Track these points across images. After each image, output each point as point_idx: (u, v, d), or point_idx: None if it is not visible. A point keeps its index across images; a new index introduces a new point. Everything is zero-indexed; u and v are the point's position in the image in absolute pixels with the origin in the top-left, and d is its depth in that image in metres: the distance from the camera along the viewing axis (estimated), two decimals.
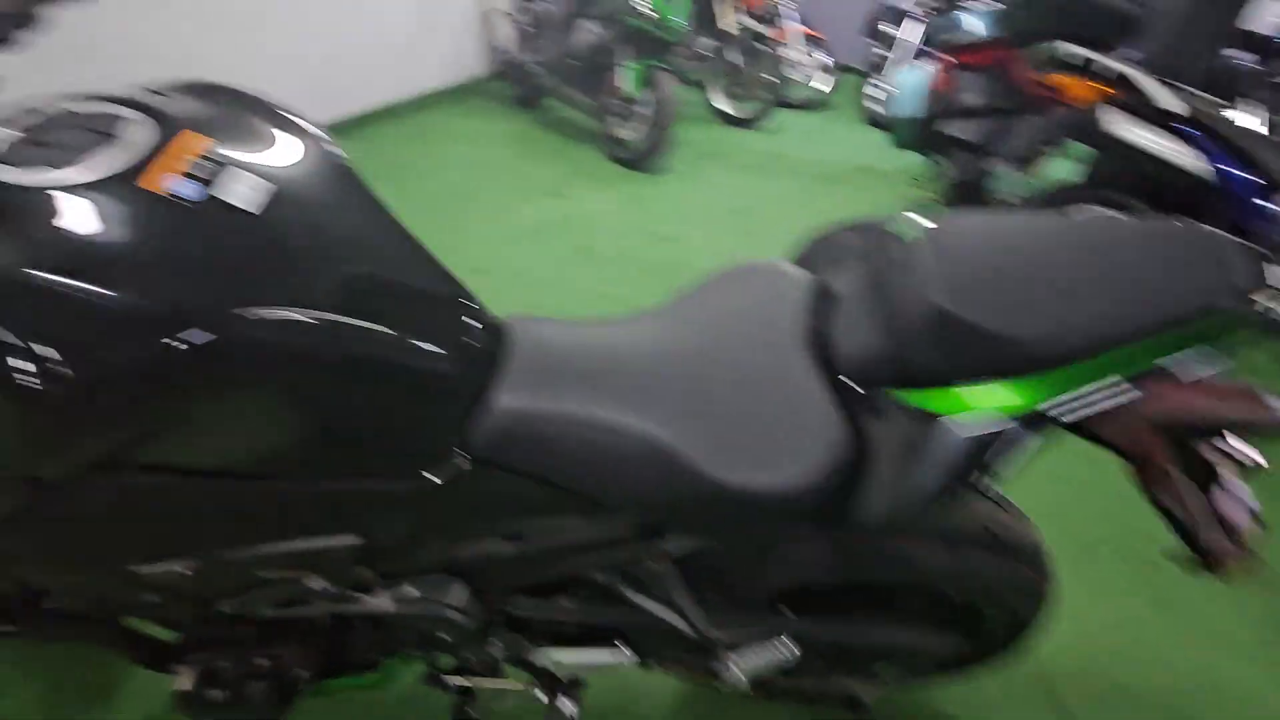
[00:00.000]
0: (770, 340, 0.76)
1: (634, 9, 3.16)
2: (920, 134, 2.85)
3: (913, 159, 3.12)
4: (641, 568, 0.82)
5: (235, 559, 0.70)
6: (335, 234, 0.64)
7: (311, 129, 0.72)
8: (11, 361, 0.49)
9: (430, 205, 2.98)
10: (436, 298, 0.71)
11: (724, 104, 4.18)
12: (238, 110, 0.68)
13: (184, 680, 0.87)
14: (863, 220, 0.85)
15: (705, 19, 4.03)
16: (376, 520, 0.73)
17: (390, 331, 0.64)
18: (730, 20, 3.99)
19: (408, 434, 0.68)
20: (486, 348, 0.73)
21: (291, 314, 0.57)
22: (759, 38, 4.02)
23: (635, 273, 2.66)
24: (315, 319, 0.58)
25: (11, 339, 0.49)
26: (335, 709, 1.21)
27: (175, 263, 0.54)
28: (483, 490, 0.72)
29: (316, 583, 0.77)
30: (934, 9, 3.89)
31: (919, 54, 3.91)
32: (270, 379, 0.58)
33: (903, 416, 0.64)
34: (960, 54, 2.71)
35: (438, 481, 0.70)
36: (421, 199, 3.02)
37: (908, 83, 2.85)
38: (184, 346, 0.53)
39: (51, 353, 0.50)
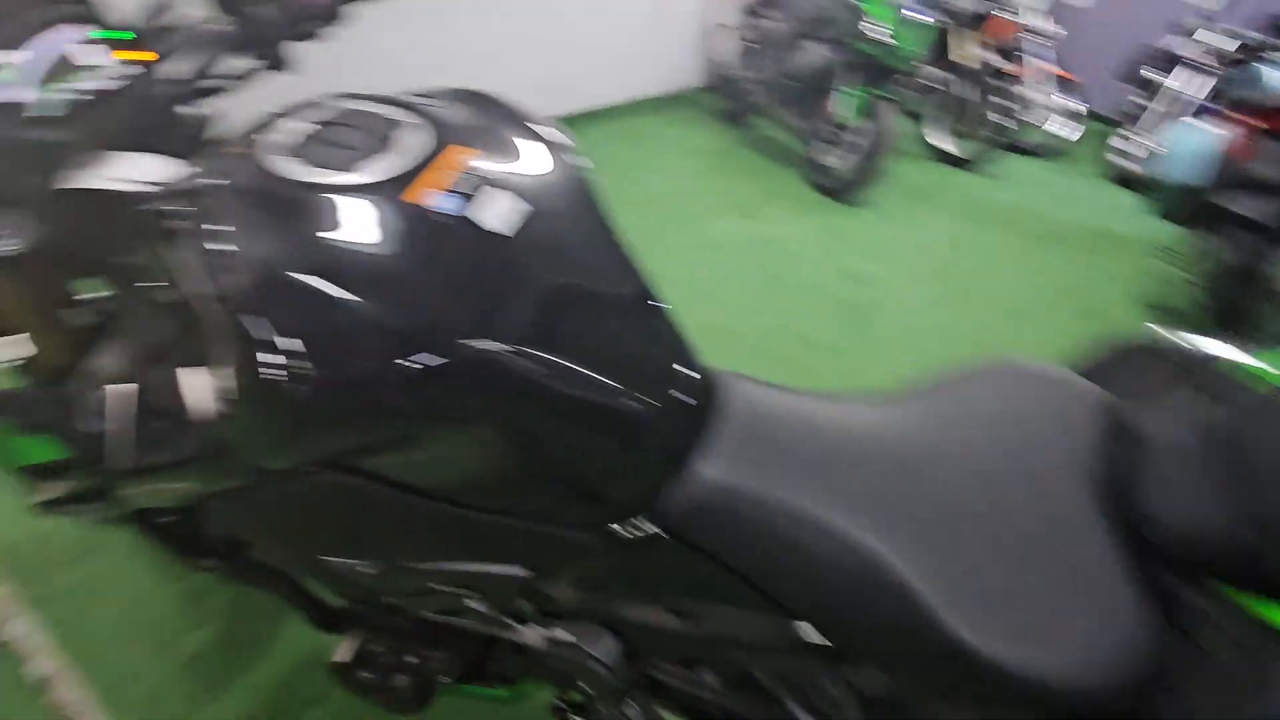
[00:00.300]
0: (1046, 471, 0.62)
1: (867, 35, 2.99)
2: (1191, 204, 2.41)
3: (1165, 229, 2.66)
4: (816, 685, 0.72)
5: (413, 569, 0.70)
6: (572, 264, 0.61)
7: (560, 139, 0.69)
8: (261, 353, 0.50)
9: (625, 208, 3.02)
10: (655, 342, 0.66)
11: (944, 141, 3.85)
12: (498, 121, 0.67)
13: (343, 652, 0.91)
14: (1177, 342, 0.67)
15: (938, 49, 3.74)
16: (549, 561, 0.69)
17: (606, 379, 0.59)
18: (967, 52, 3.67)
19: (602, 487, 0.63)
20: (697, 405, 0.67)
21: (519, 350, 0.54)
22: (997, 73, 3.66)
23: (821, 308, 2.51)
24: (540, 359, 0.55)
25: (265, 332, 0.50)
26: (459, 707, 1.23)
27: (424, 281, 0.52)
28: (662, 559, 0.66)
29: (478, 603, 0.76)
30: (1233, 60, 3.30)
31: (1200, 110, 3.34)
32: (486, 414, 0.55)
33: (1247, 630, 0.48)
34: (1271, 118, 2.24)
35: (619, 540, 0.65)
36: (618, 201, 3.06)
37: (1186, 142, 2.42)
38: (416, 368, 0.51)
39: (299, 350, 0.50)
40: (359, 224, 0.53)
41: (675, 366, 0.66)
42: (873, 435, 0.67)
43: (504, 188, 0.58)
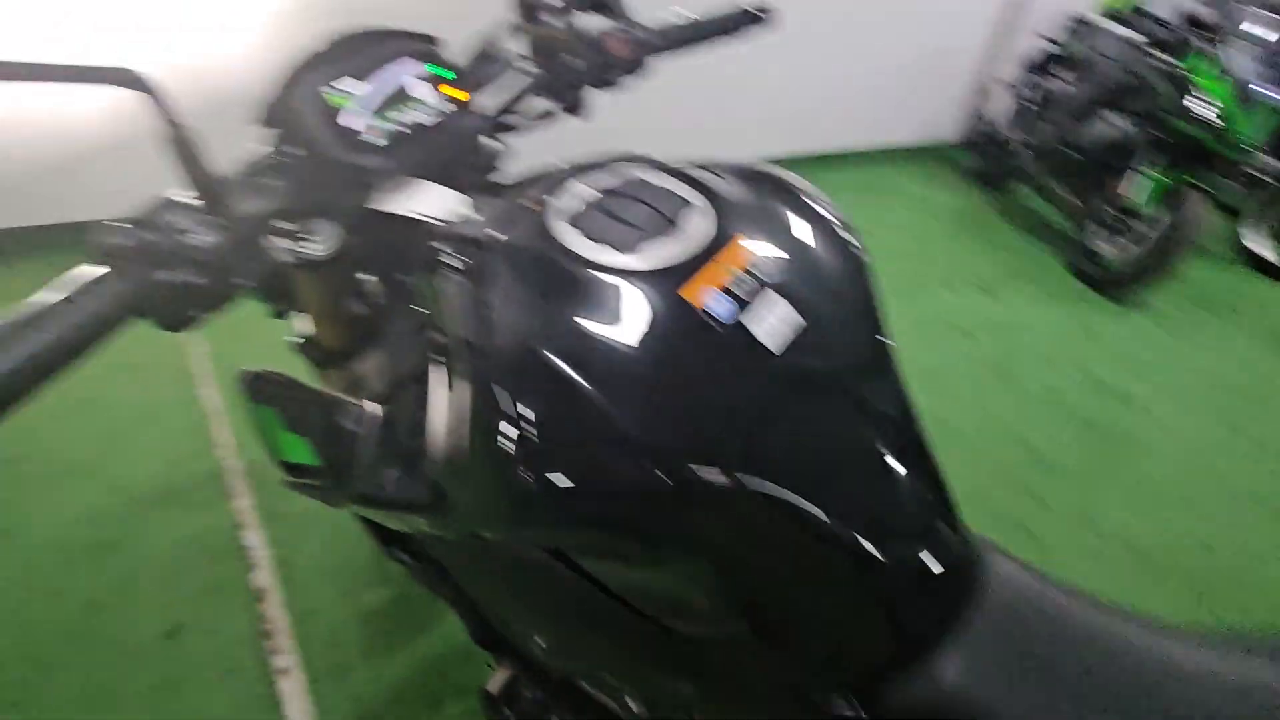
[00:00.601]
0: None
1: (1188, 110, 2.53)
2: None
3: None
4: None
5: (588, 655, 0.66)
6: (834, 390, 0.53)
7: (848, 230, 0.62)
8: (495, 421, 0.48)
9: None
10: (914, 491, 0.55)
11: (1263, 245, 3.16)
12: (785, 207, 0.60)
13: (494, 683, 0.91)
14: None
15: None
16: (727, 696, 0.62)
17: (847, 528, 0.50)
18: None
19: (811, 649, 0.54)
20: (949, 578, 0.55)
21: (753, 487, 0.47)
22: None
23: (1059, 420, 2.15)
24: (776, 500, 0.48)
25: (504, 402, 0.48)
26: None
27: (675, 392, 0.47)
28: None
29: (635, 703, 0.71)
30: None
31: None
32: (702, 544, 0.49)
33: None
34: None
35: (817, 708, 0.56)
36: None
37: None
38: (641, 482, 0.46)
39: (532, 430, 0.47)
40: (628, 313, 0.49)
41: (934, 526, 0.55)
42: (1185, 683, 0.50)
43: (782, 294, 0.52)
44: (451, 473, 0.54)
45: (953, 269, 2.90)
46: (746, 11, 0.82)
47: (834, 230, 0.61)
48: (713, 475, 0.46)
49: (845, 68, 3.41)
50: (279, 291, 0.85)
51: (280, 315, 0.92)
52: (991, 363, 2.37)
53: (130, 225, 0.50)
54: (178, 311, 0.51)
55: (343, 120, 0.62)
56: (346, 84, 0.62)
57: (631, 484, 0.46)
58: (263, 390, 0.69)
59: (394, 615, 1.45)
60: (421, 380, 0.61)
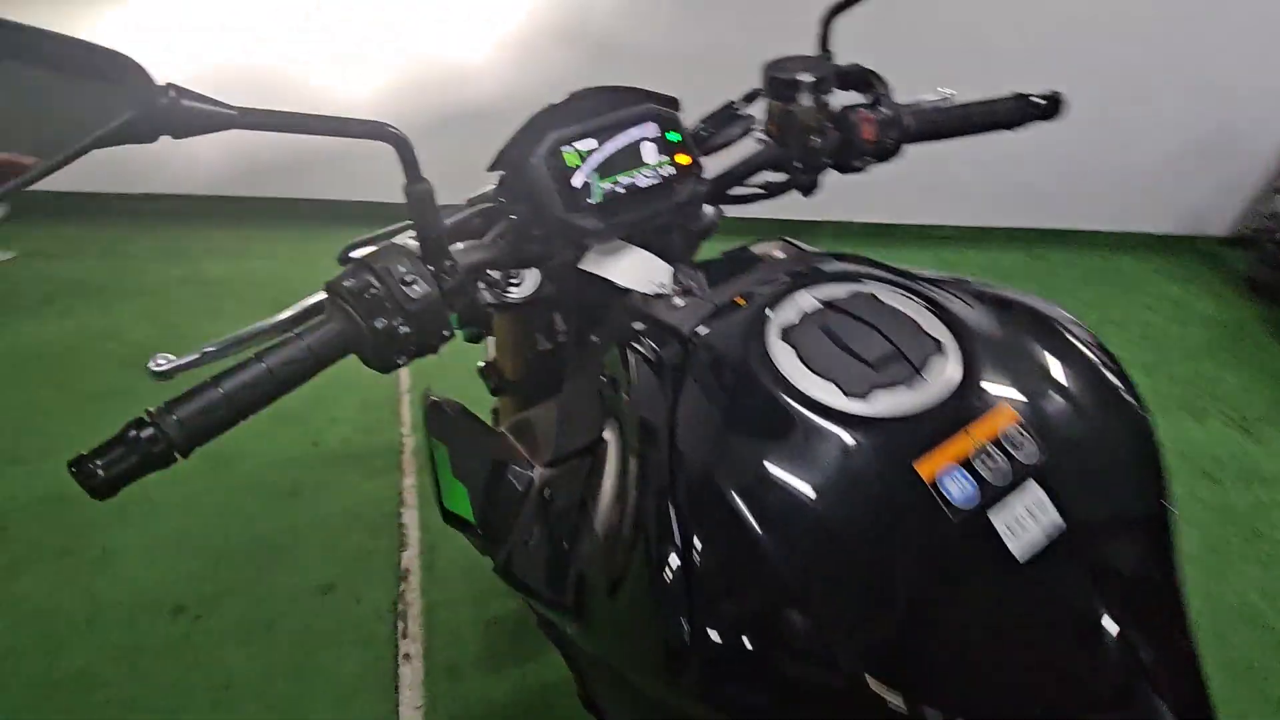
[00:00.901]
0: None
1: None
2: None
3: None
4: None
5: None
6: (1093, 609, 0.41)
7: (1115, 370, 0.49)
8: (667, 548, 0.43)
9: None
10: None
11: None
12: (1047, 355, 0.49)
13: None
14: None
15: None
16: None
17: None
18: None
19: None
20: None
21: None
22: None
23: None
24: None
25: (677, 529, 0.42)
26: None
27: (879, 583, 0.39)
28: None
29: None
30: None
31: None
32: None
33: None
34: None
35: None
36: None
37: None
38: (810, 681, 0.38)
39: (699, 567, 0.41)
40: (841, 471, 0.41)
41: None
42: None
43: (1040, 483, 0.41)
44: (600, 581, 0.49)
45: (1202, 393, 2.42)
46: (1030, 100, 0.70)
47: (1112, 387, 0.48)
48: (895, 698, 0.38)
49: (1103, 138, 2.99)
50: (475, 319, 0.88)
51: (474, 340, 0.96)
52: (1240, 520, 1.93)
53: (358, 267, 0.52)
54: (386, 356, 0.52)
55: (575, 180, 0.61)
56: (583, 143, 0.61)
57: (796, 676, 0.39)
58: (440, 423, 0.70)
59: (514, 631, 1.47)
60: (592, 456, 0.58)
